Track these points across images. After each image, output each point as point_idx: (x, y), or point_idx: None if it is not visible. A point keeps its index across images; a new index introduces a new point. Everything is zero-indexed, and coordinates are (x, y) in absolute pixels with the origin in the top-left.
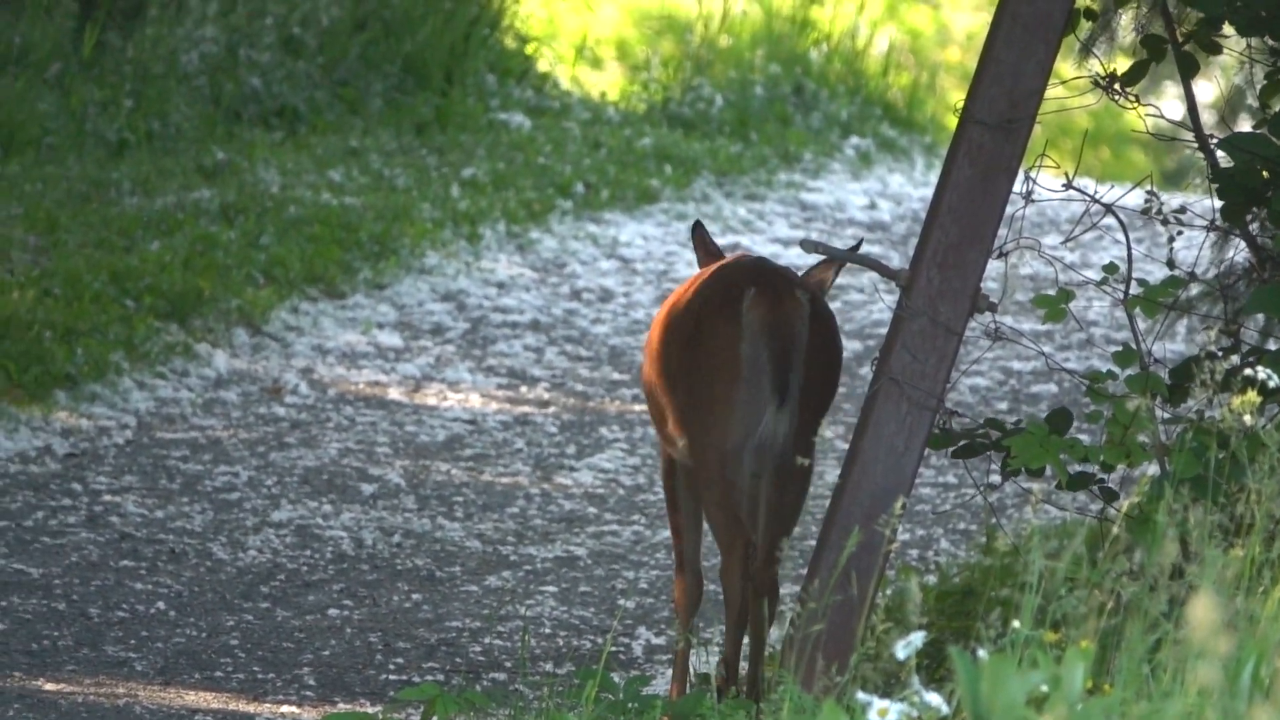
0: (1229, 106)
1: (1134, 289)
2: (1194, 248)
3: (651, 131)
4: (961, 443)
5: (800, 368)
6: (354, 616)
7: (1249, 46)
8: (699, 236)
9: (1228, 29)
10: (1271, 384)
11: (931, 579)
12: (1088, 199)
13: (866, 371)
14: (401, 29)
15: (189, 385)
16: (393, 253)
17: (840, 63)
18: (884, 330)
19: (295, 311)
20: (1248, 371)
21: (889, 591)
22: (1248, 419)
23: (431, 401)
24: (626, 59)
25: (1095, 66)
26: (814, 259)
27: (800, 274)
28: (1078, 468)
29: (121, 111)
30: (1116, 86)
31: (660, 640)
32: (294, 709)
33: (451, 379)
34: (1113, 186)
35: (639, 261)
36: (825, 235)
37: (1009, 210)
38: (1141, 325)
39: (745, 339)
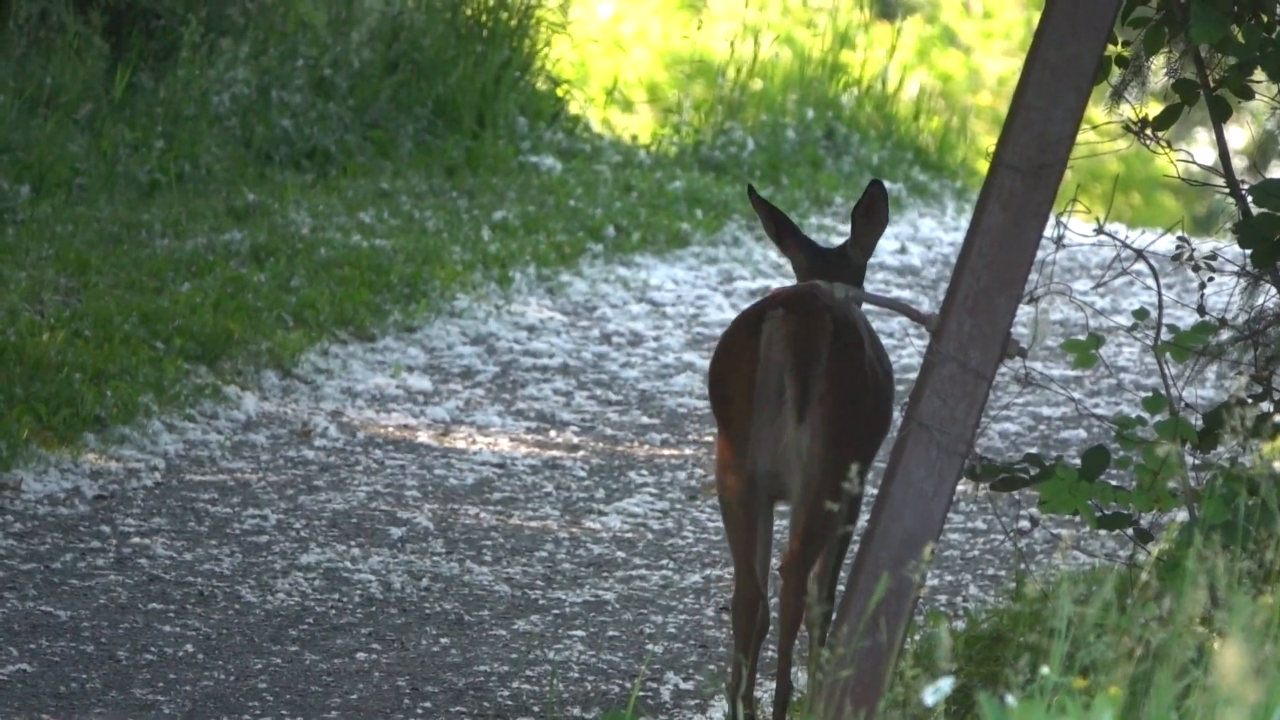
0: (1260, 152)
1: (1164, 335)
2: (1225, 293)
3: (683, 175)
4: (1002, 476)
5: (820, 388)
6: (382, 660)
7: None
8: (756, 199)
9: (1259, 74)
10: None
11: (960, 624)
12: (1118, 244)
13: (896, 416)
14: (433, 71)
15: (218, 428)
16: (423, 295)
17: (871, 107)
18: (914, 375)
19: (325, 354)
20: (1278, 418)
21: (917, 637)
22: (1278, 466)
23: (461, 445)
24: (658, 102)
25: (1126, 111)
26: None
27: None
28: (1108, 511)
29: (153, 153)
30: (1148, 131)
31: (688, 685)
32: None
33: (481, 422)
34: (1144, 232)
35: (669, 305)
36: None
37: (1039, 255)
38: (1171, 371)
39: (765, 357)
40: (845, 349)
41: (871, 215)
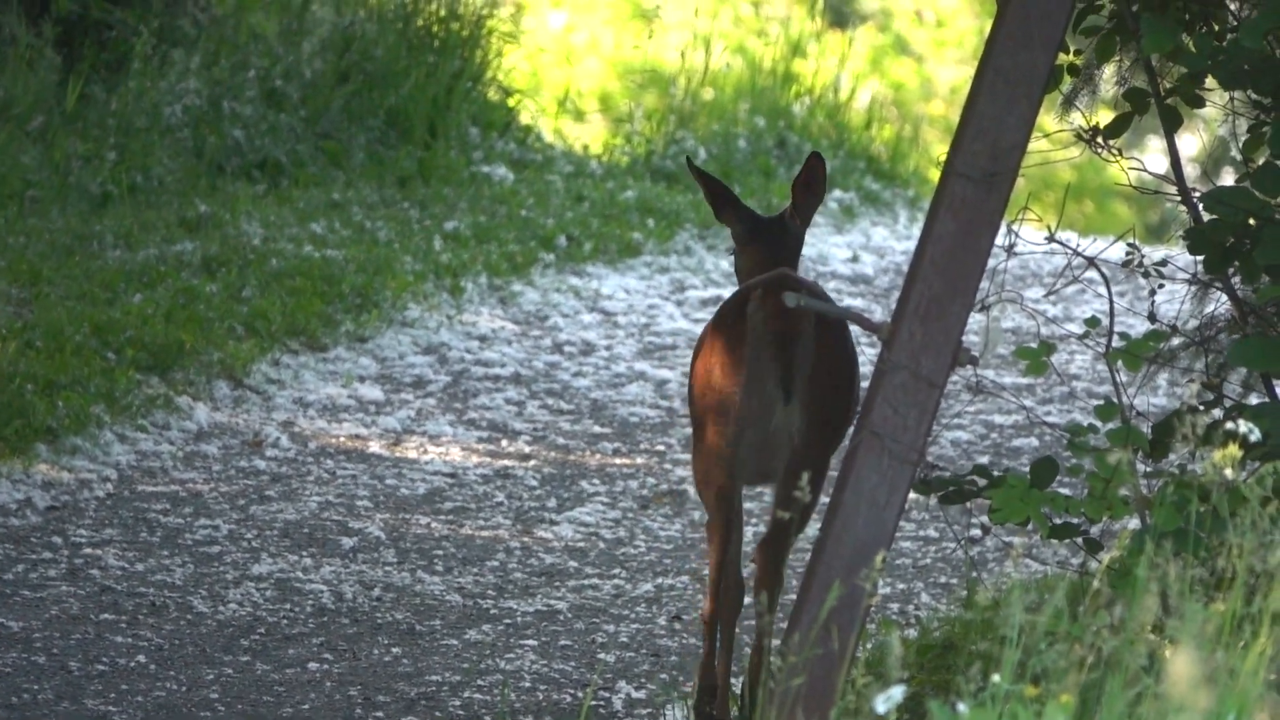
0: (1212, 160)
1: (1116, 342)
2: (1176, 301)
3: (634, 184)
4: (949, 489)
5: (806, 366)
6: (334, 670)
7: (1232, 100)
8: (695, 170)
9: (1211, 82)
10: (1253, 438)
11: (912, 633)
12: (1070, 252)
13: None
14: (384, 82)
15: (170, 438)
16: (374, 305)
17: (824, 116)
18: (865, 383)
19: (276, 364)
20: (1229, 425)
21: (869, 645)
22: (1229, 473)
23: (412, 455)
24: (609, 112)
25: (1078, 120)
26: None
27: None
28: (1059, 520)
29: (104, 164)
30: (1099, 140)
31: (640, 694)
32: None
33: (432, 432)
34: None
35: (621, 314)
36: None
37: (991, 263)
38: (1123, 378)
39: (750, 340)
40: (829, 327)
41: (810, 186)
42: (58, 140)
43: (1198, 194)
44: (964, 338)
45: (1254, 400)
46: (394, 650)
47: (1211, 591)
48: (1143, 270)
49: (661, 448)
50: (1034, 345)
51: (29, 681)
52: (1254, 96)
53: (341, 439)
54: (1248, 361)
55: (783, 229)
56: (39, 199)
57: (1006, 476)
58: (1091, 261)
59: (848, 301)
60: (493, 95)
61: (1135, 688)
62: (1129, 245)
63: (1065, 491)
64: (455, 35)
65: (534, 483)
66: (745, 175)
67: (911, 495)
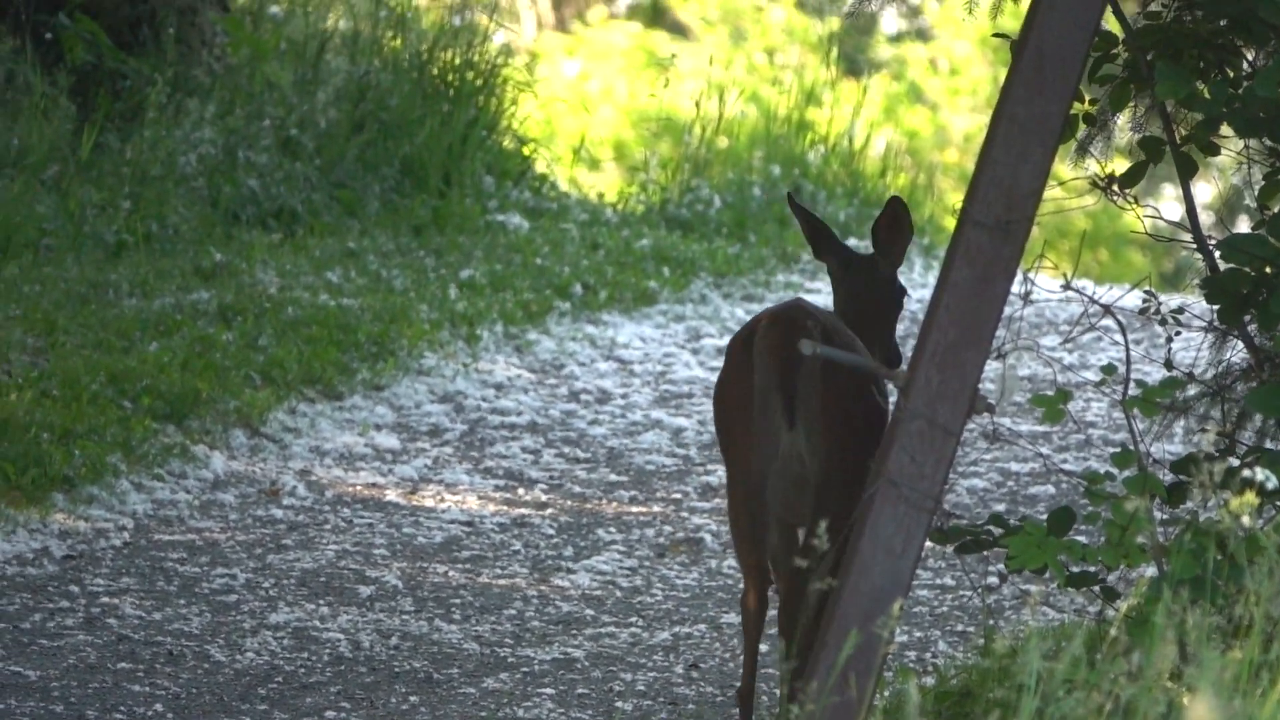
0: (1227, 207)
1: (1132, 390)
2: (1192, 349)
3: (649, 233)
4: (966, 538)
5: (813, 392)
6: (351, 719)
7: (1247, 147)
8: (795, 205)
9: (1226, 130)
10: (1270, 485)
11: (929, 680)
12: (1086, 300)
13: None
14: (399, 131)
15: (186, 487)
16: (390, 354)
17: (838, 164)
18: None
19: (293, 413)
20: (1246, 473)
21: (887, 693)
22: (1246, 520)
23: (429, 503)
24: (624, 160)
25: (1093, 167)
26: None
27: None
28: (1077, 568)
29: (119, 213)
30: (1114, 188)
31: None
32: None
33: (449, 480)
34: (1111, 287)
35: (637, 363)
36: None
37: (1007, 311)
38: (1140, 426)
39: (757, 369)
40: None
41: (894, 228)
42: (72, 189)
43: (1213, 242)
44: (980, 385)
45: (1270, 447)
46: (411, 699)
47: (1229, 639)
48: (1159, 318)
49: (678, 496)
50: (1050, 393)
51: None
52: (1269, 144)
53: (358, 487)
54: (1264, 408)
55: (873, 268)
56: (54, 248)
57: (1024, 525)
58: (1108, 309)
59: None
60: (507, 144)
61: None
62: (1145, 293)
63: (1082, 539)
64: (470, 84)
65: (551, 531)
66: (760, 224)
67: (928, 543)
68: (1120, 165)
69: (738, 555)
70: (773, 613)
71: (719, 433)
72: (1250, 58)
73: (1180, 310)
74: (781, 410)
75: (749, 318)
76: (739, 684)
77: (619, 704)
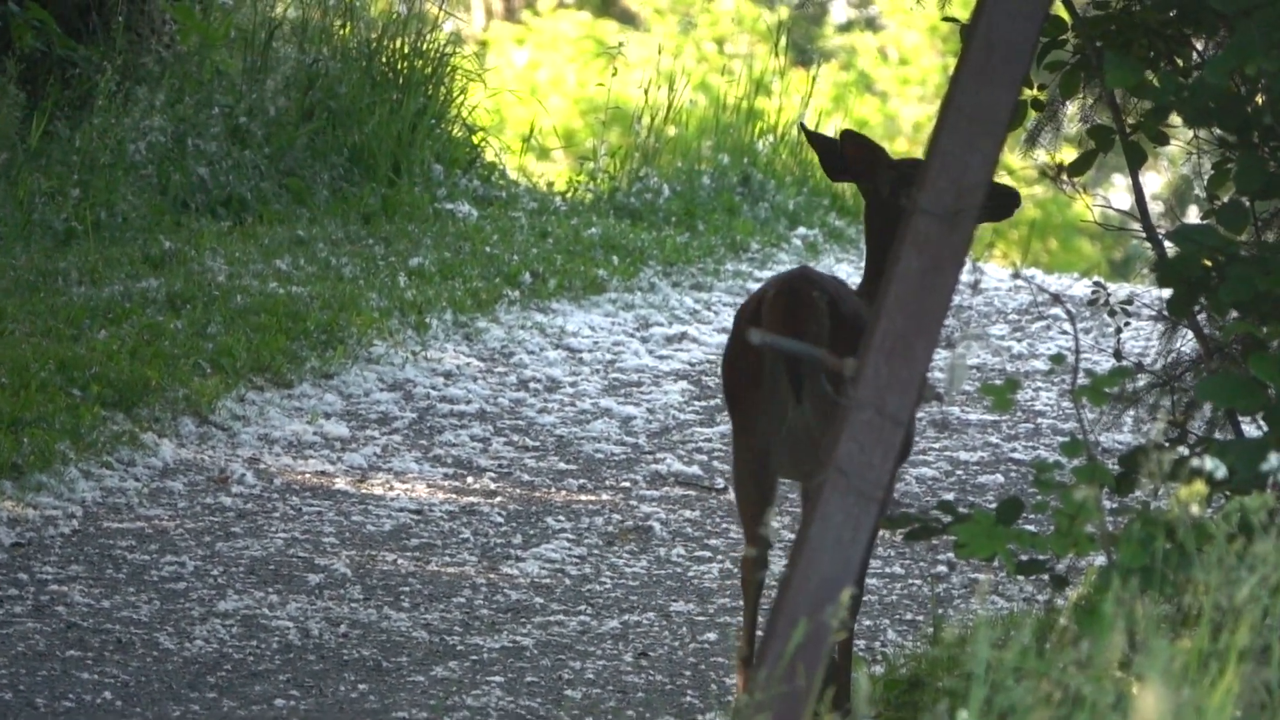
0: (1176, 197)
1: (1081, 379)
2: (1142, 338)
3: (599, 221)
4: (914, 526)
5: (817, 367)
6: (300, 707)
7: (1196, 137)
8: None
9: (1175, 119)
10: (1219, 474)
11: (878, 669)
12: (1035, 289)
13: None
14: (348, 119)
15: (135, 475)
16: (340, 342)
17: (787, 153)
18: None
19: (242, 401)
20: (1195, 462)
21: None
22: (1195, 510)
23: (378, 491)
24: (573, 149)
25: (1042, 157)
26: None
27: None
28: (1026, 556)
29: (69, 201)
30: (1063, 176)
31: None
32: None
33: (398, 469)
34: (1060, 277)
35: (586, 351)
36: None
37: (956, 300)
38: (1089, 415)
39: (763, 353)
40: (843, 323)
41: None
42: (21, 177)
43: (1163, 231)
44: (929, 374)
45: (1219, 436)
46: (360, 687)
47: (1178, 628)
48: (1108, 308)
49: (627, 484)
50: (999, 382)
51: None
52: (1218, 133)
53: (307, 475)
54: (1214, 398)
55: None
56: (3, 236)
57: (973, 513)
58: (1057, 298)
59: None
60: (457, 132)
61: None
62: (1094, 282)
63: (1031, 528)
64: (419, 73)
65: (500, 519)
66: (709, 213)
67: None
68: (1069, 155)
69: (741, 516)
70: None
71: (726, 398)
72: (1199, 47)
73: (1129, 300)
74: (788, 384)
75: (697, 306)
76: (738, 646)
77: (568, 692)
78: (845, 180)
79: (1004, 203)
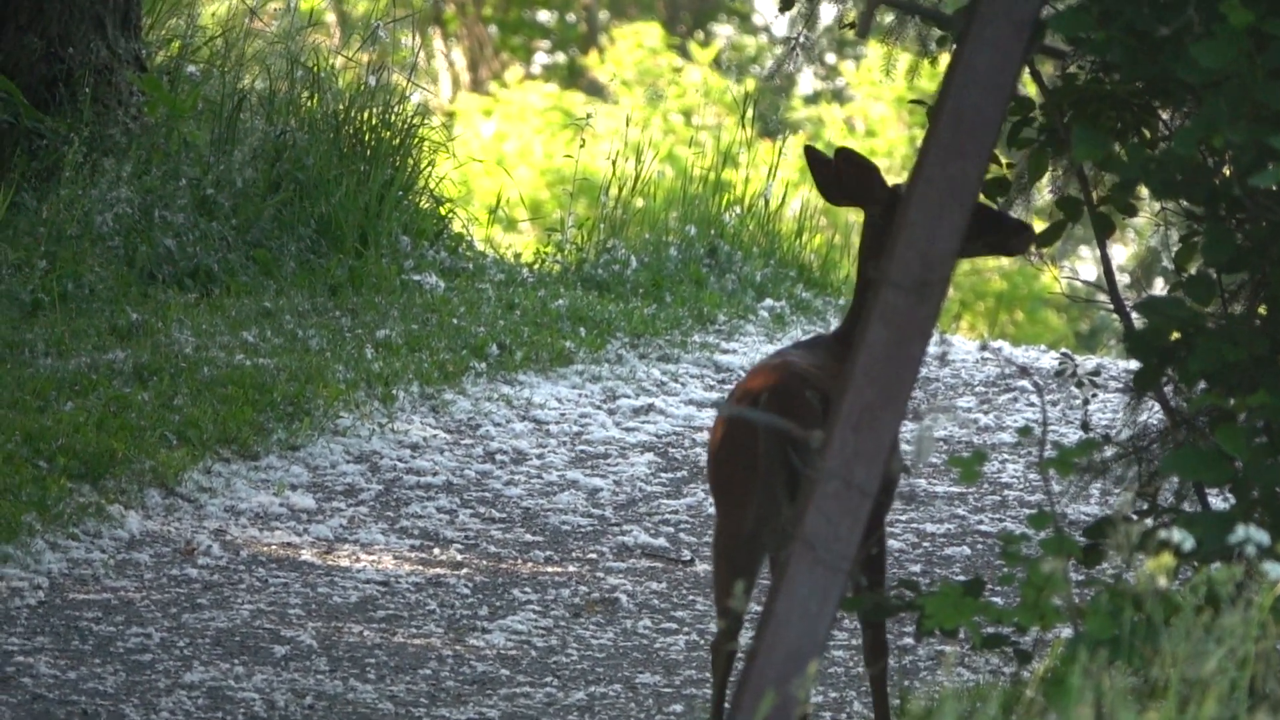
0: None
1: (1049, 451)
2: (1109, 410)
3: (566, 293)
4: (873, 603)
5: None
6: None
7: (1164, 208)
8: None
9: (1144, 190)
10: (1186, 546)
11: None
12: (1002, 361)
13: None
14: (315, 191)
15: (101, 546)
16: (306, 414)
17: (754, 225)
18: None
19: (208, 472)
20: (1162, 534)
21: None
22: (1162, 581)
23: (344, 563)
24: (540, 220)
25: None
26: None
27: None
28: (992, 629)
29: (35, 272)
30: (1032, 248)
31: None
32: None
33: (364, 540)
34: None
35: (553, 423)
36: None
37: (923, 372)
38: (1056, 487)
39: (761, 440)
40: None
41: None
42: None
43: (1130, 303)
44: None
45: (1187, 508)
46: None
47: (1145, 700)
48: (1076, 380)
49: (593, 556)
50: (967, 454)
51: None
52: (1186, 205)
53: (273, 547)
54: (1181, 471)
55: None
56: None
57: (941, 588)
58: (1024, 370)
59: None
60: (424, 204)
61: None
62: (1062, 354)
63: (998, 600)
64: (387, 144)
65: (466, 591)
66: (676, 284)
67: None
68: (1038, 227)
69: (716, 596)
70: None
71: (713, 484)
72: (1167, 118)
73: (1096, 372)
74: (783, 486)
75: (664, 378)
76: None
77: None
78: (842, 203)
79: (1017, 238)
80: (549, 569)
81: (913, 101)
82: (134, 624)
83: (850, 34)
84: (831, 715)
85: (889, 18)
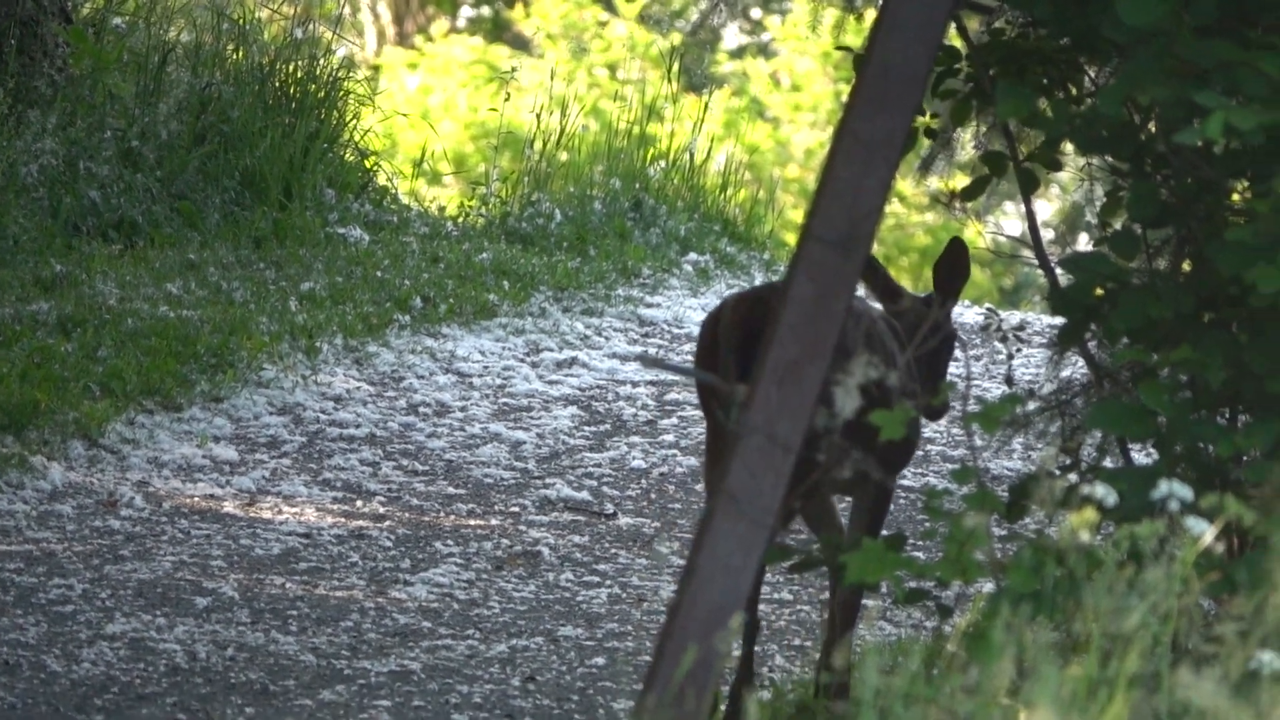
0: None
1: (972, 406)
2: (1032, 365)
3: (490, 246)
4: (796, 558)
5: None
6: None
7: (1089, 164)
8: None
9: (1068, 146)
10: (1109, 501)
11: (766, 695)
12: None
13: (703, 487)
14: (240, 143)
15: (24, 497)
16: (230, 366)
17: (679, 179)
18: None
19: (132, 424)
20: (1085, 489)
21: (724, 707)
22: (1085, 536)
23: (267, 515)
24: (465, 174)
25: (935, 184)
26: None
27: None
28: (914, 584)
29: None
30: (956, 203)
31: None
32: None
33: (287, 492)
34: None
35: (476, 376)
36: (664, 350)
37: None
38: (979, 442)
39: (721, 341)
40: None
41: (955, 268)
42: None
43: (1055, 258)
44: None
45: (1109, 463)
46: (247, 710)
47: (1067, 655)
48: (1000, 335)
49: (516, 509)
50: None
51: None
52: (1111, 161)
53: (196, 499)
54: (1105, 425)
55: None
56: None
57: (864, 542)
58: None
59: None
60: (349, 157)
61: None
62: (986, 310)
63: (920, 555)
64: (312, 97)
65: (388, 543)
66: (601, 238)
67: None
68: (963, 181)
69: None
70: None
71: (702, 403)
72: (1093, 75)
73: (1021, 327)
74: (734, 377)
75: (587, 332)
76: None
77: (455, 716)
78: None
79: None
80: (471, 522)
81: (840, 48)
82: (56, 575)
83: None
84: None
85: None
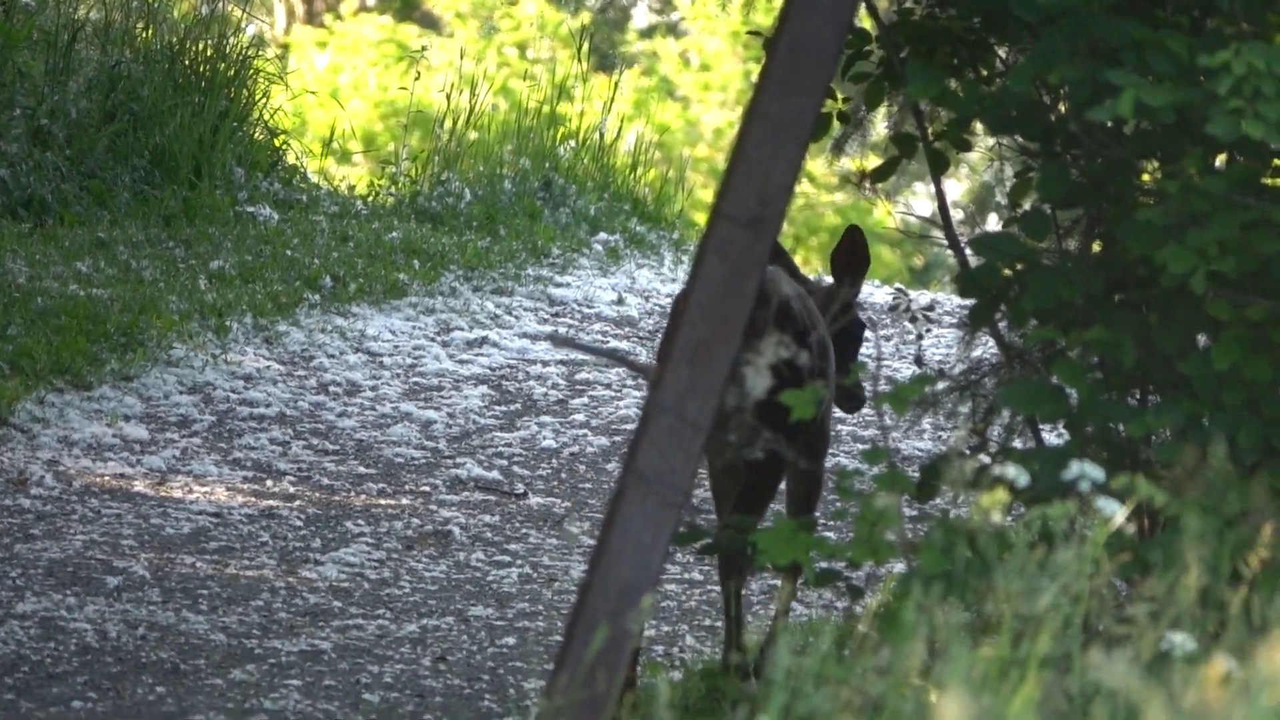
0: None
1: (883, 386)
2: (943, 345)
3: (400, 225)
4: (705, 540)
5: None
6: (98, 709)
7: (999, 144)
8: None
9: (979, 126)
10: (1020, 482)
11: (677, 675)
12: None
13: (614, 466)
14: (150, 122)
15: None
16: (139, 344)
17: (589, 158)
18: (632, 426)
19: (41, 403)
20: (996, 470)
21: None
22: (996, 517)
23: (177, 494)
24: (375, 153)
25: (847, 164)
26: None
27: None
28: (825, 564)
29: None
30: (866, 183)
31: None
32: None
33: (197, 471)
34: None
35: (386, 355)
36: (573, 330)
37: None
38: (889, 423)
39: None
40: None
41: (854, 256)
42: None
43: (964, 238)
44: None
45: (1019, 444)
46: (158, 689)
47: (979, 636)
48: (909, 315)
49: (427, 488)
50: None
51: None
52: (1021, 141)
53: (106, 478)
54: (1016, 404)
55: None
56: None
57: (775, 522)
58: (858, 305)
59: (613, 344)
60: (258, 135)
61: None
62: (896, 289)
63: (831, 535)
64: (221, 75)
65: (299, 523)
66: (510, 217)
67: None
68: (874, 161)
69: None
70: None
71: None
72: (1003, 55)
73: (930, 307)
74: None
75: (498, 311)
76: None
77: (366, 696)
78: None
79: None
80: (382, 501)
81: (750, 32)
82: None
83: None
84: (664, 649)
85: None
